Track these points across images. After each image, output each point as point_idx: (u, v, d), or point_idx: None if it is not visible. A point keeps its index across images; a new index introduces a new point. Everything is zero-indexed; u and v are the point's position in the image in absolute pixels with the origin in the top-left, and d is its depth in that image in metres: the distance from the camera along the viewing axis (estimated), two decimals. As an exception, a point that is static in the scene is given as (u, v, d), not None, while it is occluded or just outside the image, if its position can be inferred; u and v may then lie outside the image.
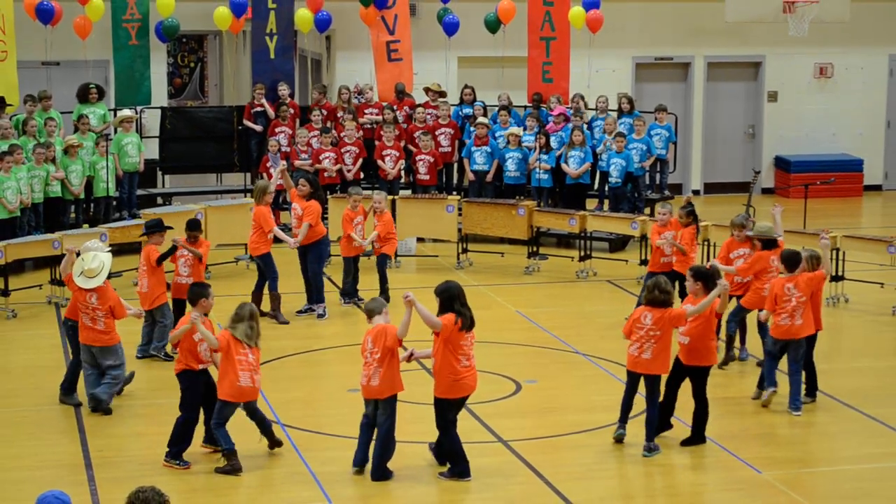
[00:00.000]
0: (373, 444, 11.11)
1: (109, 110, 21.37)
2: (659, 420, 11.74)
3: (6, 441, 12.04)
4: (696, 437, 11.85)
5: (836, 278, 17.15)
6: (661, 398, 11.71)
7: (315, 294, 16.31)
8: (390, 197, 19.51)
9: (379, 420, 11.01)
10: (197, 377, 11.41)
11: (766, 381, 12.92)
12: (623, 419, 11.82)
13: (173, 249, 14.48)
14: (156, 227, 14.58)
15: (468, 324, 10.85)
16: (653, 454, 11.55)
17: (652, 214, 20.37)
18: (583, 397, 13.47)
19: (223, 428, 11.16)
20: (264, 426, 11.51)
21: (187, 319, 11.36)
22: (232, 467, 11.13)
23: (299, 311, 16.32)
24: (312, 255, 16.27)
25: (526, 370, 14.23)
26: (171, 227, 14.96)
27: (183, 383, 11.46)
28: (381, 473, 11.02)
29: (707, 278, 11.80)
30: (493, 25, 22.29)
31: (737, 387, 13.62)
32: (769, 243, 13.91)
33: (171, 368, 14.01)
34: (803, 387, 12.89)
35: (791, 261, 12.92)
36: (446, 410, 11.04)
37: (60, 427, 12.31)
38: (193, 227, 14.75)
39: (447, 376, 10.88)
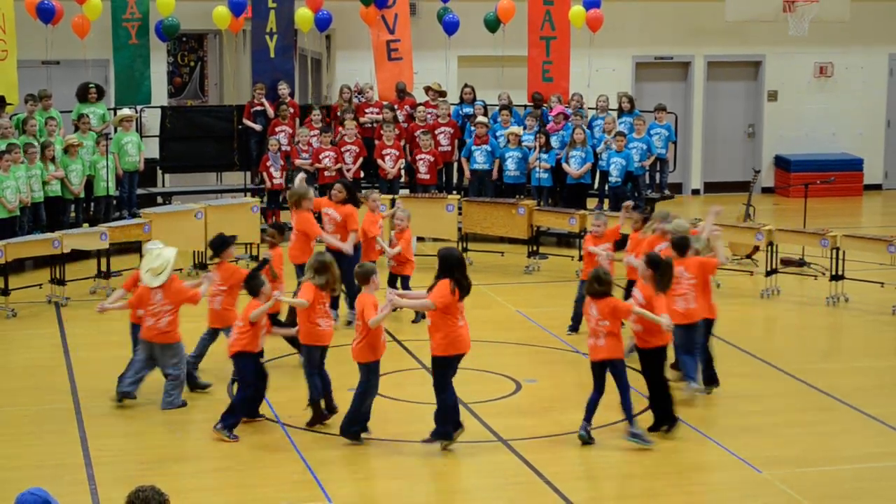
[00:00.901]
0: None
1: (109, 109, 21.37)
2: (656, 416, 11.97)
3: (6, 441, 12.04)
4: (664, 419, 11.99)
5: (836, 278, 17.15)
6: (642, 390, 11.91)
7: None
8: (390, 196, 19.55)
9: (358, 384, 11.75)
10: (254, 358, 12.14)
11: (686, 376, 13.00)
12: (588, 418, 11.84)
13: (264, 263, 13.39)
14: (223, 245, 13.59)
15: (465, 292, 11.42)
16: (638, 441, 11.62)
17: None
18: (583, 397, 13.40)
19: (316, 376, 12.12)
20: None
21: (255, 306, 12.00)
22: (316, 417, 12.15)
23: (350, 322, 15.28)
24: (354, 260, 14.97)
25: (526, 370, 14.24)
26: (234, 237, 13.97)
27: (240, 364, 12.15)
28: (346, 430, 11.75)
29: (660, 267, 11.96)
30: (493, 25, 22.29)
31: (737, 386, 13.61)
32: (681, 247, 13.06)
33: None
34: (700, 374, 13.07)
35: (680, 245, 12.94)
36: (447, 369, 11.46)
37: (60, 427, 12.30)
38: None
39: (447, 335, 11.34)
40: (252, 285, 12.28)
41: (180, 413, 12.64)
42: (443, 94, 21.85)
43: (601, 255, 14.54)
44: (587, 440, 11.76)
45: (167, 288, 12.71)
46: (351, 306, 15.80)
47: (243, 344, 12.05)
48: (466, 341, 11.44)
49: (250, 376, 12.12)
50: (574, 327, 15.45)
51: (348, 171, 20.53)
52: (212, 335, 13.54)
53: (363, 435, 11.79)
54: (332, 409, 12.32)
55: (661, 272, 11.93)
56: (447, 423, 11.58)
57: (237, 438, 11.81)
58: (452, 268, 11.46)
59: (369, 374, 11.68)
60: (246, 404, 12.10)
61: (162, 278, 12.72)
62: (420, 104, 21.47)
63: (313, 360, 12.21)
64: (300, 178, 16.18)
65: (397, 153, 20.70)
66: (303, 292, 12.07)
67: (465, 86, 22.16)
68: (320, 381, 12.23)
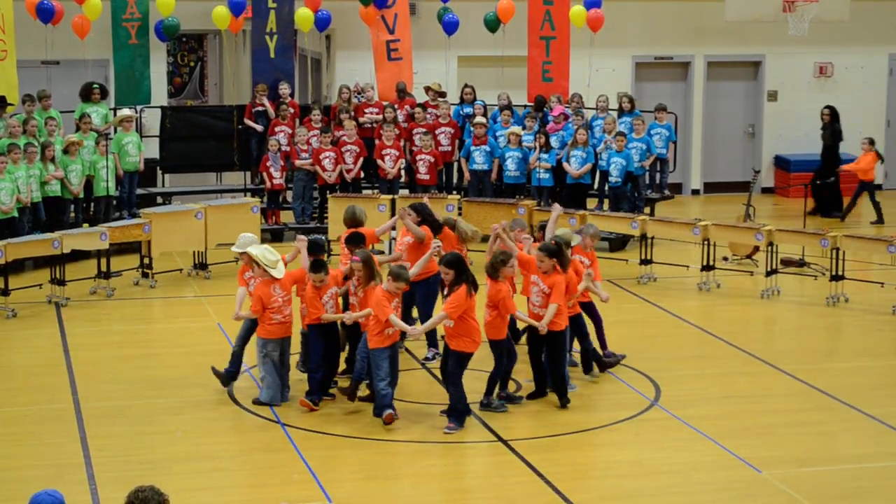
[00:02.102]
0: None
1: (110, 109, 21.37)
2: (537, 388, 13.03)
3: (6, 441, 12.04)
4: (539, 392, 13.00)
5: (836, 278, 17.15)
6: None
7: (430, 335, 14.26)
8: (390, 196, 19.55)
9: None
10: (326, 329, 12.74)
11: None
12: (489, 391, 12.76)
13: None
14: (321, 248, 13.40)
15: (475, 288, 12.05)
16: (493, 410, 12.50)
17: (652, 214, 20.41)
18: (583, 397, 13.45)
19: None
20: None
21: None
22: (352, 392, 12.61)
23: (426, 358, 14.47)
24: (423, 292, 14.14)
25: (526, 370, 14.20)
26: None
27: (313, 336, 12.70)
28: (379, 411, 12.17)
29: (560, 254, 12.64)
30: (493, 25, 22.29)
31: (737, 386, 13.62)
32: (559, 256, 12.78)
33: (169, 367, 14.11)
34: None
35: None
36: (466, 361, 12.10)
37: (60, 427, 12.30)
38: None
39: (469, 333, 12.00)
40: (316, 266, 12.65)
41: (180, 413, 12.64)
42: (442, 94, 21.85)
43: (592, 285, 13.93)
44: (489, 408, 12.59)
45: (281, 282, 12.73)
46: (431, 343, 14.63)
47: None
48: (480, 334, 12.17)
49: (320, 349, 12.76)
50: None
51: (349, 171, 20.53)
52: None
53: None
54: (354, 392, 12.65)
55: (562, 258, 12.69)
56: (464, 405, 12.19)
57: (333, 396, 12.83)
58: (464, 269, 12.08)
59: (376, 361, 12.19)
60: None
61: (279, 271, 12.72)
62: (420, 104, 21.45)
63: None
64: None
65: (397, 153, 20.69)
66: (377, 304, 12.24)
67: (466, 86, 22.15)
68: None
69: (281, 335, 12.72)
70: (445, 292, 12.17)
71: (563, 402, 12.79)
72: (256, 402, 12.73)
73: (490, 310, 12.37)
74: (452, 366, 12.07)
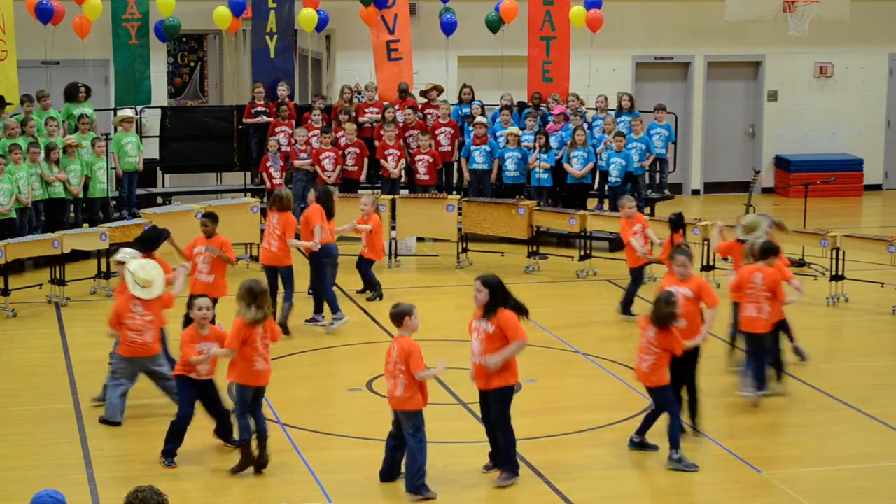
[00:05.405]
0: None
1: (110, 109, 21.37)
2: None
3: (6, 441, 12.04)
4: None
5: (836, 278, 17.14)
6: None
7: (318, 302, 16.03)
8: (391, 196, 19.56)
9: (406, 434, 10.70)
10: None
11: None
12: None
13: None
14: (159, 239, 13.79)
15: (525, 312, 10.84)
16: (685, 468, 11.31)
17: (652, 214, 20.41)
18: (583, 397, 13.47)
19: (246, 416, 11.06)
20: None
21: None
22: (245, 460, 11.10)
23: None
24: (322, 256, 15.88)
25: (526, 370, 14.14)
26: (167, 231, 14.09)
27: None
28: (414, 488, 10.64)
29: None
30: (495, 24, 22.29)
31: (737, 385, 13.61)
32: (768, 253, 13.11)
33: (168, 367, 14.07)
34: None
35: (767, 251, 12.92)
36: (511, 397, 10.91)
37: (60, 427, 12.30)
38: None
39: (511, 364, 10.80)
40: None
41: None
42: (439, 89, 21.80)
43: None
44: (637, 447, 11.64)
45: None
46: (320, 310, 15.93)
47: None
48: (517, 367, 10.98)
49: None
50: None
51: (350, 171, 20.53)
52: None
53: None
54: (263, 463, 11.15)
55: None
56: (513, 454, 10.99)
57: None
58: (506, 292, 10.81)
59: (419, 423, 10.71)
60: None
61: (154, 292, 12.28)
62: (410, 107, 21.39)
63: (244, 399, 11.06)
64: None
65: (399, 153, 20.70)
66: (229, 338, 11.08)
67: (464, 86, 22.15)
68: (254, 422, 11.11)
69: (136, 355, 12.18)
70: (482, 316, 10.82)
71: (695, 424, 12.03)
72: (102, 419, 12.33)
73: (654, 354, 11.34)
74: (498, 408, 10.88)
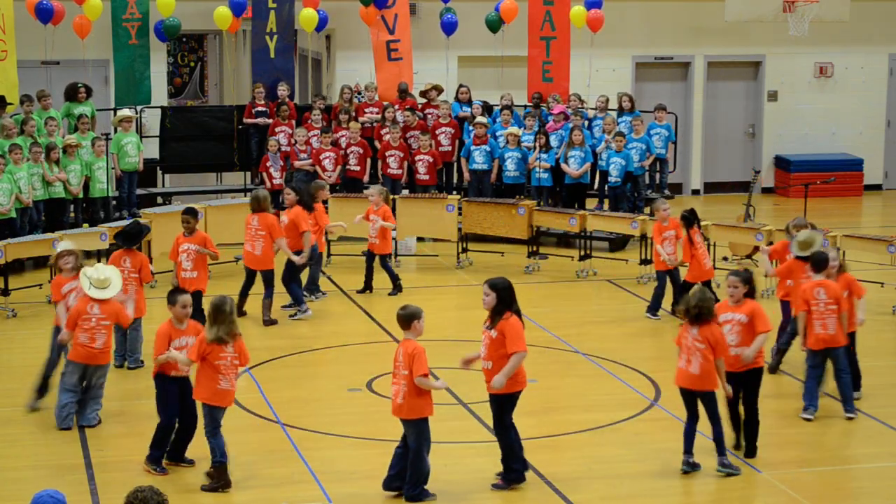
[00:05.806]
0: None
1: (110, 109, 21.37)
2: None
3: (6, 441, 12.04)
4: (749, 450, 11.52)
5: (836, 278, 17.11)
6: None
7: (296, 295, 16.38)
8: (391, 196, 19.54)
9: (409, 442, 10.50)
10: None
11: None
12: (688, 449, 11.19)
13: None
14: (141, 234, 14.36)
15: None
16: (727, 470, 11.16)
17: (652, 214, 20.40)
18: (583, 397, 13.47)
19: (219, 436, 10.87)
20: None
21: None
22: (220, 479, 10.83)
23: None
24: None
25: (526, 370, 14.17)
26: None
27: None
28: (414, 495, 10.46)
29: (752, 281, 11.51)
30: (495, 24, 22.29)
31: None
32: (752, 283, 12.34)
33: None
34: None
35: (821, 262, 12.68)
36: (511, 406, 10.65)
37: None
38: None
39: (516, 372, 10.57)
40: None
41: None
42: (439, 88, 21.79)
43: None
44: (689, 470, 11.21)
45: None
46: (300, 301, 16.35)
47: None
48: (524, 374, 10.75)
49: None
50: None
51: (353, 171, 20.54)
52: None
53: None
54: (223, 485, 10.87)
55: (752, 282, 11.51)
56: (518, 462, 10.81)
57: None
58: (513, 298, 10.60)
59: (421, 432, 10.46)
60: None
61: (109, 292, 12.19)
62: (409, 108, 21.40)
63: (215, 419, 10.83)
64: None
65: (401, 154, 20.70)
66: (190, 349, 10.92)
67: (461, 86, 22.14)
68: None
69: (85, 361, 12.10)
70: (489, 324, 10.66)
71: (751, 451, 11.58)
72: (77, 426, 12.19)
73: (702, 352, 10.92)
74: (494, 414, 10.69)
